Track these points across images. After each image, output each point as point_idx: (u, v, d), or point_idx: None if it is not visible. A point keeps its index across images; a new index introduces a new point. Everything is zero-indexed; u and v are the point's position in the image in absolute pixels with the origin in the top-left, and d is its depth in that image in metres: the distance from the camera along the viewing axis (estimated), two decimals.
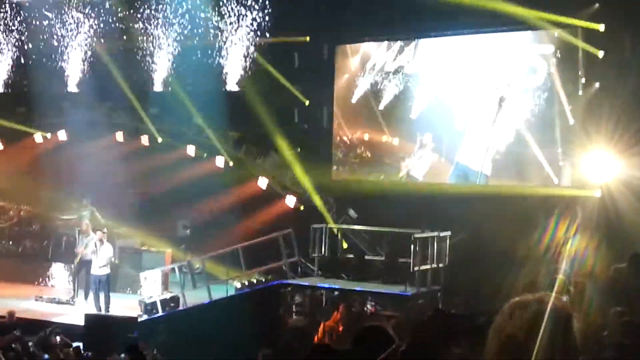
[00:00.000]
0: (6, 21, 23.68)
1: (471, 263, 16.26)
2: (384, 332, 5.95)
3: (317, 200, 19.64)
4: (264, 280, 17.88)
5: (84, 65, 22.96)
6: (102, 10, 22.45)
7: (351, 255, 17.91)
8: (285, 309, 16.97)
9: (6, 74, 24.04)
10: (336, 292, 16.64)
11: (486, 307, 13.44)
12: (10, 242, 22.19)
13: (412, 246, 15.87)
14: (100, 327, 15.51)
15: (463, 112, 18.55)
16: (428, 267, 16.16)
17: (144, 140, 22.19)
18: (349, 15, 19.38)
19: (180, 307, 16.99)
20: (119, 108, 22.37)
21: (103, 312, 17.05)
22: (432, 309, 15.00)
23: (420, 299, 15.89)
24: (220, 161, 21.31)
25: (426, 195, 18.01)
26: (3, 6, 23.43)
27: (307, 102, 20.60)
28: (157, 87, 22.19)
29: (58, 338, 14.10)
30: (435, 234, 16.42)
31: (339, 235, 18.48)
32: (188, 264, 17.93)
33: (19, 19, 23.51)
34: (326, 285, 16.87)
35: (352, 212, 19.45)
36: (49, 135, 23.46)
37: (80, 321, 15.85)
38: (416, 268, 15.88)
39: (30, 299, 18.36)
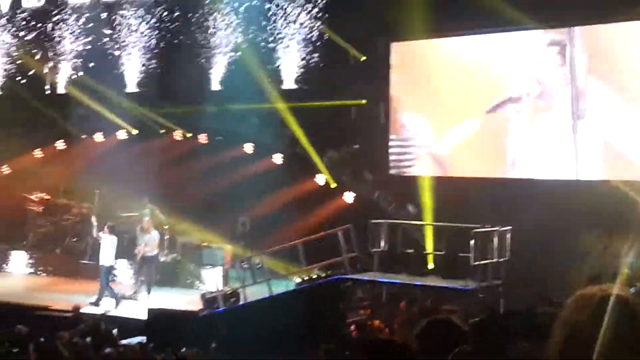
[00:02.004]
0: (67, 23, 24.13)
1: (534, 257, 16.12)
2: (452, 325, 5.59)
3: (376, 196, 19.62)
4: (323, 275, 17.90)
5: (142, 64, 23.23)
6: (158, 9, 22.75)
7: (410, 250, 17.84)
8: (346, 304, 16.96)
9: (66, 76, 24.43)
10: (396, 287, 16.62)
11: (550, 301, 13.35)
12: (74, 239, 22.54)
13: (472, 241, 15.77)
14: (162, 321, 15.76)
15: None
16: (489, 261, 16.04)
17: (202, 138, 22.37)
18: (405, 12, 19.32)
19: (241, 302, 17.08)
20: (177, 107, 22.56)
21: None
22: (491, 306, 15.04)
23: (481, 294, 15.78)
24: (278, 158, 21.41)
25: (485, 189, 17.91)
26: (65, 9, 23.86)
27: (364, 99, 20.60)
28: (215, 85, 22.35)
29: (115, 331, 14.30)
30: (496, 228, 16.29)
31: (398, 230, 18.42)
32: (248, 260, 18.07)
33: (80, 21, 23.93)
34: (386, 280, 16.85)
35: (410, 207, 19.38)
36: (109, 134, 23.82)
37: (143, 316, 16.12)
38: (476, 262, 15.77)
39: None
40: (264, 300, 16.81)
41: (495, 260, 16.16)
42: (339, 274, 17.29)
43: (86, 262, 21.20)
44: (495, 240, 16.14)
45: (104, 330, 14.21)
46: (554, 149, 18.11)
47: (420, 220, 18.69)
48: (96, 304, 17.85)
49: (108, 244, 18.40)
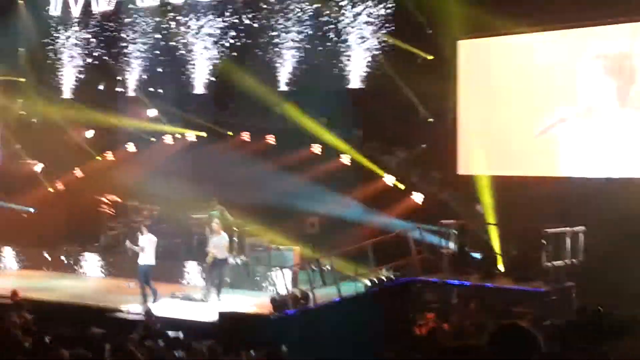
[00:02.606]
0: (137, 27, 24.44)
1: (608, 258, 15.79)
2: (526, 331, 5.33)
3: (445, 196, 19.47)
4: (393, 277, 17.81)
5: (209, 66, 23.41)
6: (226, 12, 22.90)
7: (480, 252, 17.65)
8: (415, 305, 16.86)
9: (137, 79, 24.76)
10: (466, 289, 16.46)
11: (627, 303, 13.09)
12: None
13: (543, 242, 15.52)
14: (233, 324, 15.87)
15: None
16: (562, 263, 15.77)
17: (270, 139, 22.45)
18: (472, 9, 19.13)
19: (310, 305, 17.06)
20: (244, 108, 22.67)
21: None
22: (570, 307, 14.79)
23: (553, 296, 15.54)
24: (346, 159, 21.39)
25: (556, 189, 17.61)
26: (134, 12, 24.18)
27: (430, 98, 20.44)
28: (282, 86, 22.41)
29: (181, 334, 14.39)
30: (569, 229, 16.01)
31: (467, 231, 18.24)
32: (317, 262, 18.08)
33: (149, 24, 24.23)
34: (456, 282, 16.70)
35: (479, 207, 19.16)
36: (178, 136, 24.07)
37: (214, 318, 16.24)
38: (549, 264, 15.52)
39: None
40: (333, 303, 16.80)
41: (568, 261, 15.90)
42: (409, 275, 17.21)
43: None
44: (568, 241, 15.87)
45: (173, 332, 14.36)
46: (630, 147, 17.68)
47: (489, 221, 18.47)
48: (154, 301, 18.17)
49: (146, 243, 18.68)
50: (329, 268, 17.91)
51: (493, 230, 18.25)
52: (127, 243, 19.50)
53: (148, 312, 15.42)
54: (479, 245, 18.03)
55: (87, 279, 22.10)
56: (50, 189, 25.65)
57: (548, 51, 18.78)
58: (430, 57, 20.39)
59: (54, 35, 25.90)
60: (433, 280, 17.01)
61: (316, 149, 21.71)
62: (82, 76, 25.62)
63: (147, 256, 18.65)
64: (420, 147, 20.43)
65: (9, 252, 24.11)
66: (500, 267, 17.46)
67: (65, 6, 25.37)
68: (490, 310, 15.27)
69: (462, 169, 19.77)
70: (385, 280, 17.85)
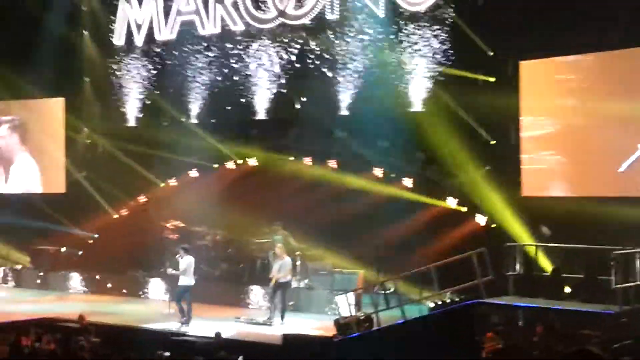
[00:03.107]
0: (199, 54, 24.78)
1: None
2: (597, 357, 5.31)
3: (509, 218, 19.29)
4: (457, 300, 17.67)
5: (271, 92, 23.59)
6: (286, 37, 23.08)
7: (547, 273, 17.41)
8: (480, 328, 16.64)
9: (199, 105, 25.07)
10: (532, 311, 16.24)
11: None
12: (207, 266, 23.00)
13: (612, 263, 15.25)
14: (297, 347, 15.87)
15: None
16: (631, 284, 15.47)
17: (332, 163, 22.52)
18: (535, 30, 19.05)
19: (375, 328, 16.99)
20: (306, 133, 22.79)
21: None
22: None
23: (622, 318, 15.23)
24: (408, 182, 21.34)
25: (624, 209, 17.33)
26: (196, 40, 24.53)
27: (493, 120, 20.34)
28: (343, 110, 22.48)
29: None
30: (639, 249, 15.72)
31: (533, 253, 18.02)
32: (381, 285, 18.03)
33: (211, 52, 24.55)
34: (522, 304, 16.48)
35: (544, 229, 18.94)
36: (240, 161, 24.27)
37: (278, 341, 16.26)
38: (618, 286, 15.24)
39: (230, 320, 18.92)
40: (397, 326, 16.66)
41: (638, 282, 15.60)
42: (473, 298, 17.02)
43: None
44: (638, 262, 15.58)
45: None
46: None
47: (555, 242, 18.23)
48: (186, 323, 18.61)
49: (184, 265, 18.99)
50: (393, 291, 17.85)
51: (559, 251, 17.99)
52: (169, 270, 19.81)
53: (218, 335, 15.45)
54: (545, 267, 17.80)
55: (152, 303, 22.29)
56: (115, 215, 26.00)
57: (613, 71, 18.58)
58: (491, 79, 20.31)
59: (118, 64, 26.35)
60: (498, 303, 16.81)
61: (378, 172, 21.68)
62: (145, 104, 25.99)
63: (186, 277, 19.03)
64: (483, 169, 20.29)
65: (75, 277, 24.48)
66: (567, 289, 17.17)
67: (129, 35, 25.82)
68: (557, 332, 15.04)
69: (527, 191, 19.55)
70: (449, 302, 17.72)
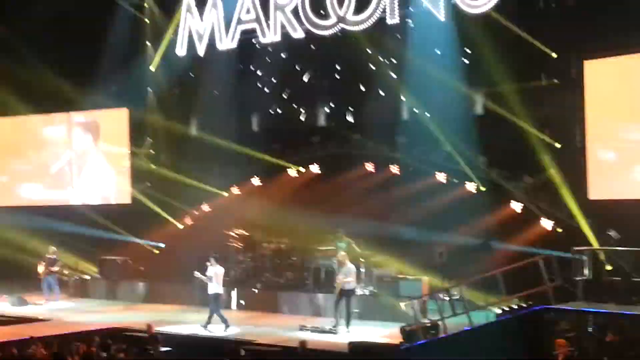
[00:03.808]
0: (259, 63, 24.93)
1: None
2: None
3: (577, 222, 18.98)
4: (525, 306, 17.43)
5: (332, 98, 23.60)
6: (347, 43, 23.08)
7: (617, 278, 17.06)
8: (549, 334, 16.39)
9: (261, 114, 25.17)
10: (603, 317, 15.94)
11: None
12: (272, 274, 23.07)
13: None
14: (364, 354, 15.83)
15: None
16: None
17: (394, 169, 22.42)
18: (599, 29, 18.72)
19: (441, 335, 16.86)
20: (368, 138, 22.72)
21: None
22: None
23: None
24: (471, 186, 21.15)
25: None
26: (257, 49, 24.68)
27: (557, 122, 20.07)
28: (405, 115, 22.36)
29: None
30: None
31: (602, 257, 17.69)
32: (446, 291, 17.89)
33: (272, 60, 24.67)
34: (592, 310, 16.19)
35: (613, 233, 18.56)
36: (302, 169, 24.31)
37: (344, 349, 16.22)
38: None
39: (295, 328, 18.92)
40: (464, 332, 16.54)
41: None
42: (541, 304, 16.77)
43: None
44: None
45: None
46: None
47: (624, 246, 17.86)
48: (205, 327, 19.14)
49: (214, 274, 19.50)
50: (459, 297, 17.69)
51: (629, 255, 17.61)
52: (196, 273, 20.08)
53: (303, 343, 15.44)
54: (615, 272, 17.44)
55: None
56: (180, 225, 26.24)
57: None
58: (555, 81, 20.03)
59: (181, 74, 26.61)
60: (567, 309, 16.54)
61: (441, 177, 21.52)
62: (208, 112, 26.19)
63: (215, 285, 19.49)
64: (549, 173, 19.99)
65: (142, 287, 24.75)
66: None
67: (190, 45, 26.04)
68: (629, 339, 14.76)
69: (594, 194, 19.19)
70: (516, 308, 17.50)
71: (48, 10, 26.13)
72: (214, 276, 19.56)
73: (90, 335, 17.14)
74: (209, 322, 19.32)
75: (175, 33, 26.29)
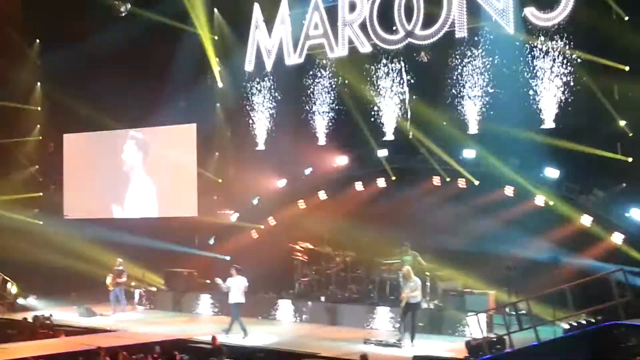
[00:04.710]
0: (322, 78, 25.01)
1: None
2: None
3: None
4: (594, 321, 17.00)
5: (396, 110, 23.48)
6: (412, 56, 23.00)
7: None
8: (619, 351, 15.95)
9: (325, 127, 25.18)
10: None
11: None
12: (337, 287, 22.98)
13: None
14: None
15: None
16: None
17: (461, 183, 22.18)
18: None
19: (507, 350, 16.55)
20: (435, 152, 22.55)
21: None
22: None
23: None
24: (540, 200, 20.80)
25: None
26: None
27: (630, 134, 19.66)
28: (472, 129, 22.13)
29: None
30: None
31: None
32: (513, 306, 17.57)
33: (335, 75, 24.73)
34: None
35: None
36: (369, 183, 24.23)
37: None
38: None
39: (359, 341, 18.78)
40: (531, 348, 16.17)
41: None
42: (611, 319, 16.34)
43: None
44: None
45: None
46: None
47: None
48: (226, 333, 19.75)
49: (234, 284, 20.25)
50: (526, 312, 17.35)
51: None
52: (217, 279, 20.72)
53: (364, 357, 15.32)
54: None
55: (283, 325, 22.41)
56: (246, 238, 26.35)
57: None
58: (627, 93, 19.64)
59: (249, 89, 26.84)
60: (638, 325, 16.06)
61: (508, 191, 21.22)
62: (275, 127, 26.33)
63: (235, 295, 20.24)
64: (619, 186, 19.57)
65: (205, 299, 24.86)
66: None
67: (259, 61, 26.25)
68: None
69: None
70: (585, 324, 17.07)
71: (119, 30, 26.83)
72: (234, 287, 20.24)
73: (156, 346, 17.23)
74: (229, 328, 19.97)
75: (244, 49, 26.51)
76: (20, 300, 26.83)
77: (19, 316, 23.87)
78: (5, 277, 26.99)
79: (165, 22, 26.85)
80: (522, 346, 16.44)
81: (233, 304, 20.33)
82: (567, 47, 20.42)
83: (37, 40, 31.17)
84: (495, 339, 16.78)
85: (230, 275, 20.51)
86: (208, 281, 25.47)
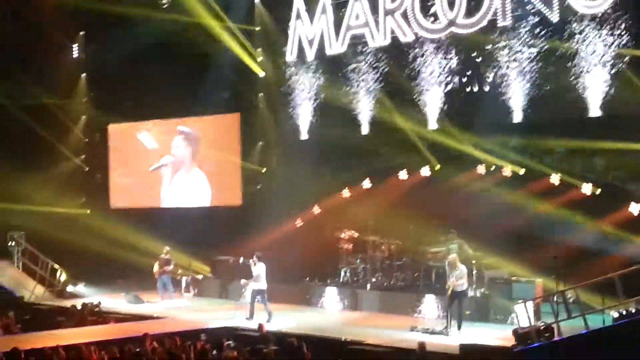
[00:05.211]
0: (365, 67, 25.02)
1: None
2: None
3: None
4: None
5: (444, 99, 23.45)
6: (456, 47, 22.94)
7: None
8: None
9: (370, 115, 25.19)
10: None
11: None
12: (382, 275, 23.06)
13: None
14: (475, 357, 15.65)
15: None
16: None
17: (507, 171, 22.12)
18: None
19: (555, 338, 16.49)
20: (481, 141, 22.50)
21: None
22: None
23: None
24: (586, 188, 20.68)
25: None
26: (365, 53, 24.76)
27: None
28: (517, 117, 22.01)
29: None
30: None
31: None
32: (561, 294, 17.52)
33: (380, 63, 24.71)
34: None
35: None
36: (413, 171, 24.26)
37: (455, 351, 16.08)
38: None
39: (405, 329, 18.86)
40: (580, 336, 16.13)
41: None
42: None
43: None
44: None
45: None
46: None
47: None
48: (269, 320, 20.32)
49: (257, 272, 20.93)
50: (574, 300, 17.29)
51: None
52: (242, 281, 21.92)
53: (421, 345, 15.40)
54: None
55: (328, 312, 22.55)
56: (290, 226, 26.48)
57: None
58: None
59: (291, 79, 26.94)
60: None
61: (554, 179, 21.12)
62: (318, 116, 26.41)
63: (260, 282, 20.90)
64: None
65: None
66: None
67: (300, 51, 26.32)
68: None
69: None
70: (635, 312, 16.97)
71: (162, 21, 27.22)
72: (260, 273, 20.96)
73: (202, 334, 17.44)
74: (269, 316, 20.48)
75: (285, 39, 26.60)
76: (69, 288, 27.25)
77: (68, 303, 24.32)
78: (55, 265, 27.38)
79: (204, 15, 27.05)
80: (572, 334, 16.38)
81: (256, 290, 20.97)
82: (613, 34, 20.20)
83: (81, 32, 31.55)
84: (543, 327, 16.73)
85: (253, 263, 21.05)
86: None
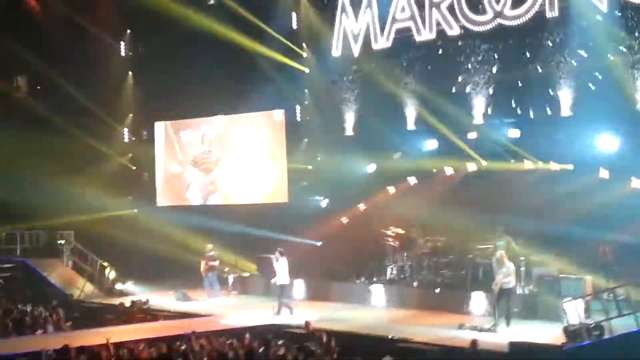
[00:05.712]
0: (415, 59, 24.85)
1: None
2: None
3: None
4: None
5: (491, 95, 23.20)
6: (505, 38, 22.69)
7: None
8: None
9: (415, 112, 25.03)
10: None
11: None
12: (429, 272, 22.92)
13: None
14: (525, 354, 15.50)
15: None
16: None
17: (554, 165, 21.85)
18: None
19: (606, 336, 16.23)
20: (527, 135, 22.24)
21: None
22: None
23: None
24: (636, 183, 20.34)
25: None
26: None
27: None
28: (565, 111, 21.72)
29: None
30: None
31: None
32: (612, 291, 17.23)
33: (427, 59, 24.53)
34: None
35: None
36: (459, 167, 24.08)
37: (504, 349, 15.92)
38: None
39: (453, 327, 18.71)
40: (633, 334, 15.86)
41: None
42: None
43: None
44: None
45: None
46: None
47: None
48: (278, 313, 21.09)
49: (279, 266, 21.62)
50: (625, 297, 17.01)
51: None
52: (272, 281, 22.09)
53: (474, 343, 15.29)
54: None
55: (375, 310, 22.44)
56: (337, 224, 26.44)
57: None
58: None
59: (336, 74, 26.85)
60: None
61: (604, 173, 20.80)
62: (363, 112, 26.29)
63: (282, 277, 21.63)
64: None
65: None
66: None
67: (346, 46, 26.19)
68: None
69: None
70: None
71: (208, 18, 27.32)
72: (283, 269, 21.58)
73: (250, 331, 17.47)
74: (291, 310, 21.22)
75: (331, 34, 26.51)
76: (118, 286, 27.48)
77: (116, 301, 24.49)
78: (104, 263, 27.66)
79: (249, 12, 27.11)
80: (623, 332, 16.11)
81: (280, 286, 21.60)
82: None
83: (128, 31, 31.81)
84: (593, 325, 16.48)
85: (275, 259, 21.71)
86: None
